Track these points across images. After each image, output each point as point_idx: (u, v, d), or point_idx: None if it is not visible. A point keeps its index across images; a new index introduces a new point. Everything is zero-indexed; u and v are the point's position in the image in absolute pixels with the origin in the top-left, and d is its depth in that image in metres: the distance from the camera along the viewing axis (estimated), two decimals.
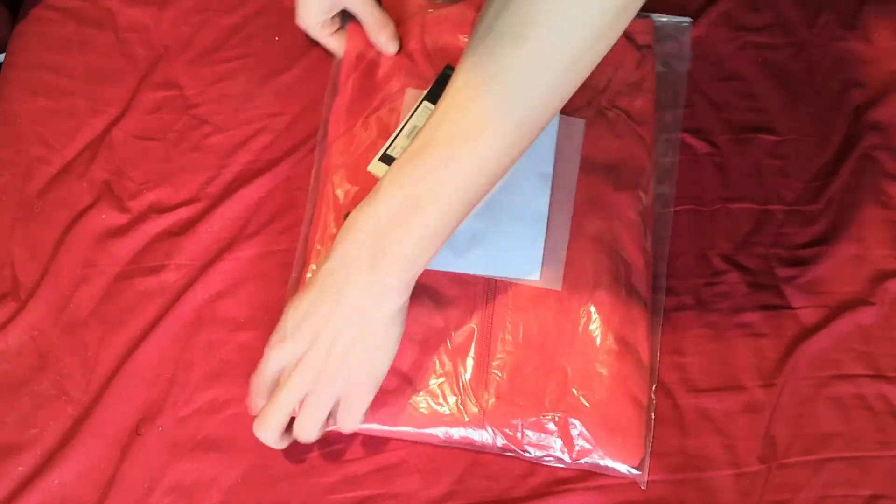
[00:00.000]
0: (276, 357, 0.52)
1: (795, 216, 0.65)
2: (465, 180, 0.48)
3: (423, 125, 0.48)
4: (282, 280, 0.61)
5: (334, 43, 0.67)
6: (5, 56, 0.69)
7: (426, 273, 0.53)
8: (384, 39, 0.65)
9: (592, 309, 0.58)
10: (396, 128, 0.62)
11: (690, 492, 0.57)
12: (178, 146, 0.65)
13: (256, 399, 0.54)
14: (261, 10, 0.70)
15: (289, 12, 0.68)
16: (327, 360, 0.50)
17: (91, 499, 0.55)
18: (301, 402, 0.52)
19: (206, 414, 0.58)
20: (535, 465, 0.57)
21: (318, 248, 0.60)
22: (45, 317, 0.60)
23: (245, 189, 0.64)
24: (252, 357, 0.54)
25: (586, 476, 0.57)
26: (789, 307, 0.62)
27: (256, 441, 0.56)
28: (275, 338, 0.52)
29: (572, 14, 0.43)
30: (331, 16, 0.65)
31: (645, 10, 0.71)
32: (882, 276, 0.63)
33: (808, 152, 0.67)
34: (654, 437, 0.58)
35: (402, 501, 0.56)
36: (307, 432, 0.52)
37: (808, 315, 0.62)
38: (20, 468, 0.56)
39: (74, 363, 0.58)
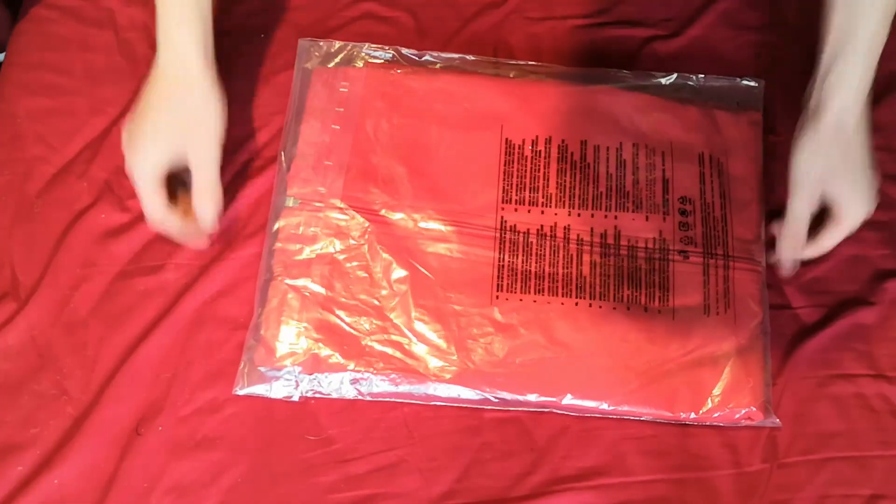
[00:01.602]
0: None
1: None
2: None
3: None
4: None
5: (173, 218, 0.58)
6: (5, 56, 0.69)
7: None
8: (204, 215, 0.58)
9: None
10: None
11: (692, 491, 0.57)
12: None
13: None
14: (258, 10, 0.70)
15: (286, 12, 0.68)
16: None
17: (91, 498, 0.55)
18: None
19: (205, 413, 0.57)
20: (535, 465, 0.57)
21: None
22: (44, 316, 0.59)
23: (245, 188, 0.64)
24: None
25: (586, 475, 0.57)
26: (790, 307, 0.62)
27: (256, 441, 0.56)
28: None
29: None
30: (162, 172, 0.57)
31: (642, 13, 0.71)
32: (882, 276, 0.63)
33: None
34: (654, 436, 0.58)
35: (402, 501, 0.56)
36: None
37: (809, 314, 0.62)
38: (20, 468, 0.56)
39: (74, 363, 0.58)
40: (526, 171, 0.63)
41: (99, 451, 0.56)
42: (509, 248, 0.61)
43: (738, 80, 0.68)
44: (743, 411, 0.58)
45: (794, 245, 0.60)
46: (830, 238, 0.60)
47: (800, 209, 0.59)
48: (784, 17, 0.72)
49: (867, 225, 0.64)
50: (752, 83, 0.68)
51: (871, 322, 0.62)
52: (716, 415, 0.58)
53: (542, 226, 0.61)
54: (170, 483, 0.56)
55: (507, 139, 0.64)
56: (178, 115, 0.57)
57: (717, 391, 0.58)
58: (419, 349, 0.58)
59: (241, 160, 0.64)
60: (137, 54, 0.68)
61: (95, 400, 0.57)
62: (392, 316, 0.59)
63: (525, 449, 0.58)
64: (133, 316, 0.60)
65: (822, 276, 0.63)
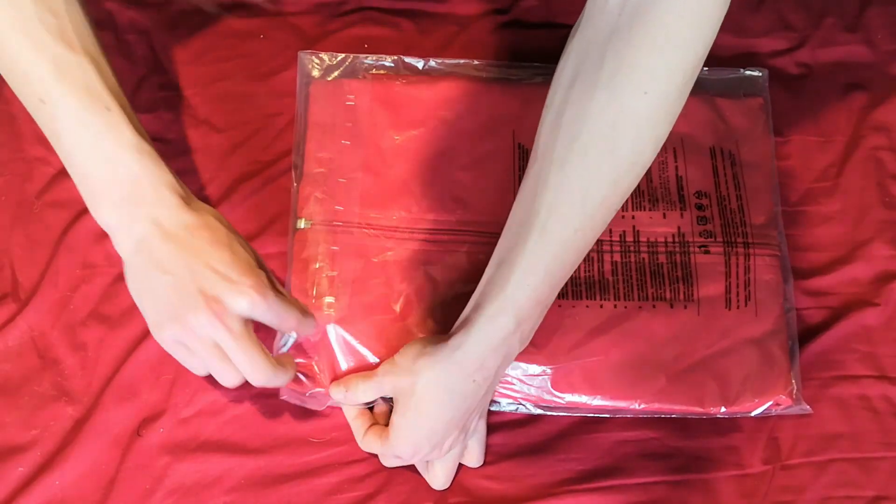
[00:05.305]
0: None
1: (799, 217, 0.65)
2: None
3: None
4: (282, 280, 0.60)
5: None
6: None
7: None
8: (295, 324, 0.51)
9: None
10: None
11: (693, 493, 0.57)
12: (176, 147, 0.65)
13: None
14: (257, 10, 0.70)
15: (285, 14, 0.68)
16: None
17: (92, 500, 0.55)
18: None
19: (207, 416, 0.57)
20: (535, 467, 0.57)
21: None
22: (44, 317, 0.59)
23: (244, 190, 0.63)
24: None
25: (586, 477, 0.57)
26: (793, 308, 0.62)
27: (258, 443, 0.56)
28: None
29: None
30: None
31: None
32: (886, 277, 0.63)
33: (811, 153, 0.67)
34: (655, 438, 0.58)
35: (402, 502, 0.56)
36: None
37: (813, 316, 0.62)
38: (21, 469, 0.55)
39: (74, 364, 0.58)
40: None
41: (100, 452, 0.56)
42: None
43: (742, 70, 0.68)
44: (771, 401, 0.58)
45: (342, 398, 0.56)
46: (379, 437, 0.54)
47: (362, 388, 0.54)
48: (788, 20, 0.72)
49: (872, 226, 0.64)
50: (756, 73, 0.68)
51: (876, 323, 0.62)
52: (745, 406, 0.57)
53: None
54: (171, 485, 0.55)
55: (519, 144, 0.63)
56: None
57: (744, 382, 0.57)
58: None
59: (239, 161, 0.64)
60: (137, 56, 0.67)
61: (96, 401, 0.57)
62: (418, 332, 0.58)
63: (525, 451, 0.58)
64: (133, 316, 0.59)
65: (826, 277, 0.63)
